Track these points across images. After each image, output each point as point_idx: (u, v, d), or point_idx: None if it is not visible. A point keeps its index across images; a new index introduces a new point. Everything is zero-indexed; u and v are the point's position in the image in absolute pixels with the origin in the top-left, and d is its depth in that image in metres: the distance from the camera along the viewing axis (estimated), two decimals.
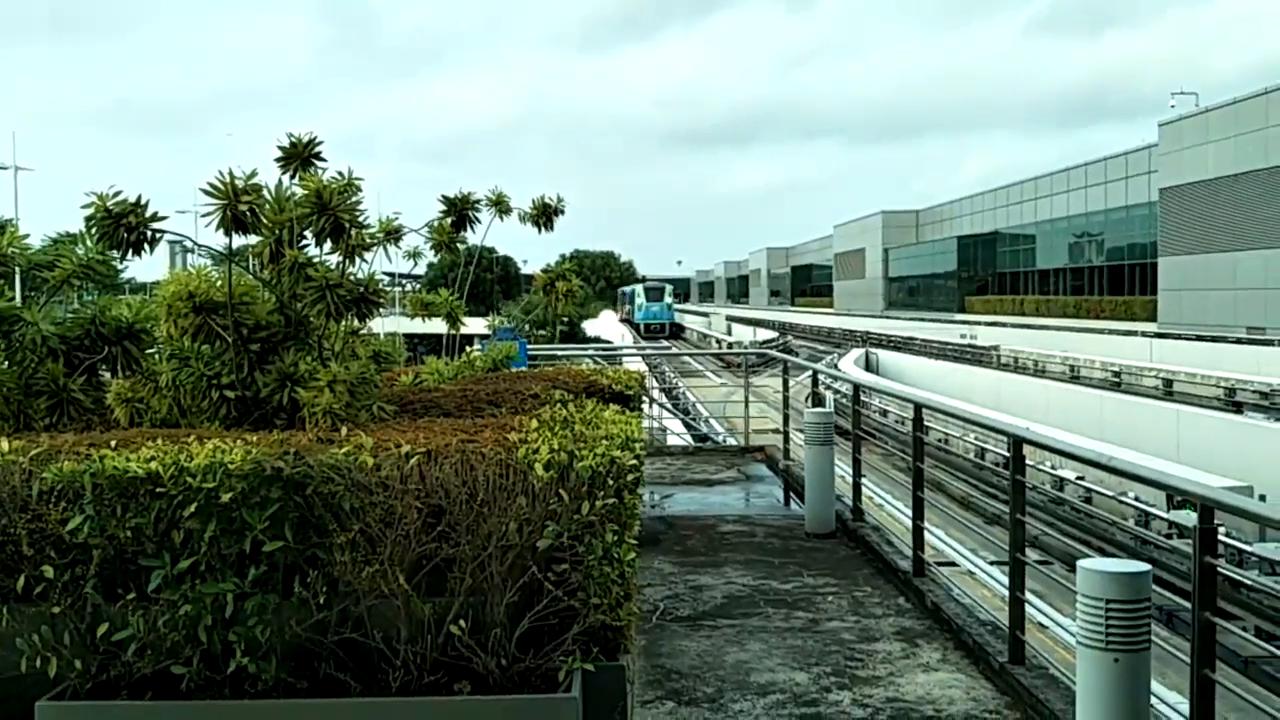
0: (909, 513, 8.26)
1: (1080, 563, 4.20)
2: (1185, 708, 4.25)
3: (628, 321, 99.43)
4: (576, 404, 5.41)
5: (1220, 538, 4.58)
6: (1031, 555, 6.56)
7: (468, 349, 8.59)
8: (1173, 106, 51.80)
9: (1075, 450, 6.43)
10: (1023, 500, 5.86)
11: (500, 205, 6.58)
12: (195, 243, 5.83)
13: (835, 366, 37.26)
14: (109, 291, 5.69)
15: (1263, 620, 14.53)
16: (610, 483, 3.97)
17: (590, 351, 26.04)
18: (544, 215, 6.85)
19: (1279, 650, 12.60)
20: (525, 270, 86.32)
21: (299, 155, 5.33)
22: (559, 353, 19.92)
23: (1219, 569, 4.22)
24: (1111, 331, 47.43)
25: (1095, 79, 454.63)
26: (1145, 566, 4.13)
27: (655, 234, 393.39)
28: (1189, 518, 6.96)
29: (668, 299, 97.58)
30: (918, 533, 7.62)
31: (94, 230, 4.77)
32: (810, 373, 14.83)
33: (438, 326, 7.60)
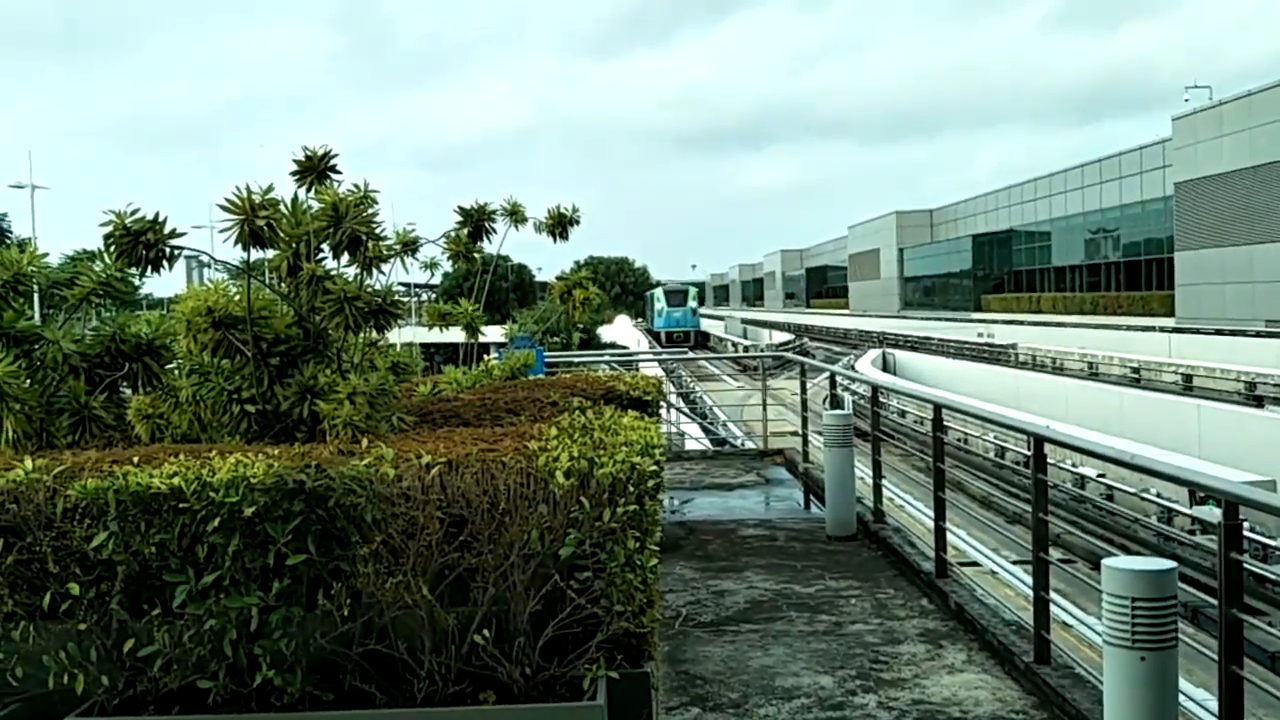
0: (930, 514, 8.24)
1: (1105, 561, 4.18)
2: (1213, 705, 4.23)
3: (648, 330, 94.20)
4: (595, 411, 5.40)
5: (1245, 533, 4.54)
6: (1054, 554, 6.52)
7: (485, 358, 8.59)
8: (1186, 100, 51.61)
9: (1096, 448, 6.41)
10: (1045, 499, 5.84)
11: (516, 215, 6.59)
12: (212, 258, 5.85)
13: (852, 368, 37.17)
14: (127, 308, 5.70)
15: None
16: (631, 489, 3.96)
17: (607, 357, 26.02)
18: (559, 225, 6.85)
19: None
20: (540, 277, 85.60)
21: (315, 169, 5.35)
22: (576, 359, 19.92)
23: (1245, 565, 4.20)
24: (1129, 327, 47.22)
25: (1108, 73, 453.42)
26: (1171, 564, 4.11)
27: (669, 238, 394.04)
28: (1213, 513, 6.93)
29: (691, 303, 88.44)
30: (939, 533, 7.60)
31: (113, 248, 4.79)
32: (828, 374, 14.81)
33: (455, 336, 7.60)
